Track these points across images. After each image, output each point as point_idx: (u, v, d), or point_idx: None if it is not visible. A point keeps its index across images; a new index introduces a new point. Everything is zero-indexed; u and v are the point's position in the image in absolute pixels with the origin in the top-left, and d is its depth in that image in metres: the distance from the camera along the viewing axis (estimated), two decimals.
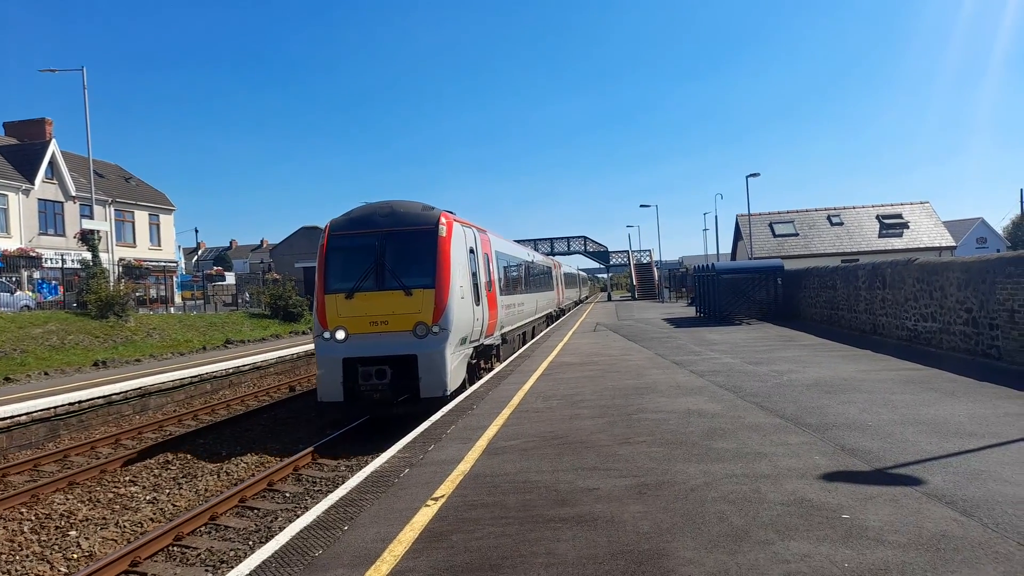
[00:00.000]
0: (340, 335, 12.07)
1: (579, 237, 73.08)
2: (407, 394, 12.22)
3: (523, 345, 21.54)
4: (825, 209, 49.32)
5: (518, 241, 30.00)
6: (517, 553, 4.60)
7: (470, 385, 13.29)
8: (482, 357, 15.14)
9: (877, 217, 47.65)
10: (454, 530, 5.12)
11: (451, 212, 13.88)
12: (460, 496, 5.95)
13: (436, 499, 5.90)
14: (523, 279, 22.71)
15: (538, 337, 24.39)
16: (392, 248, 12.49)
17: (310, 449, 11.37)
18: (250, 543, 7.89)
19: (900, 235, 46.28)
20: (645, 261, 74.14)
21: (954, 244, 46.46)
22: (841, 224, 47.68)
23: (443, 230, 12.57)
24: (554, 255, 61.05)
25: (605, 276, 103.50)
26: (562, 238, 72.32)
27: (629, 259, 74.02)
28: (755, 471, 6.13)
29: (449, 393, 11.84)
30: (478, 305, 13.91)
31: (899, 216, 47.46)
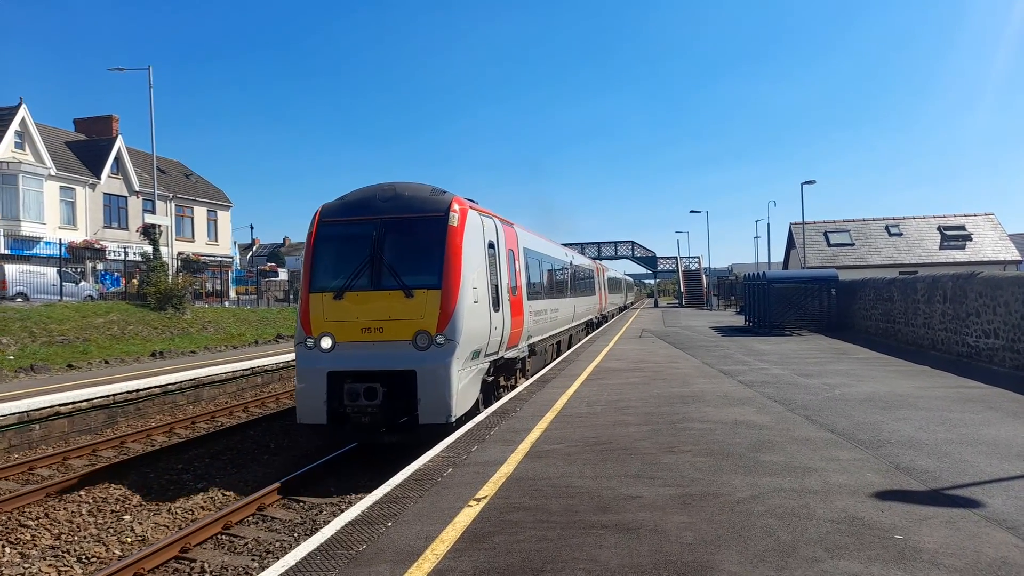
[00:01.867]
0: (326, 343, 10.09)
1: (626, 242, 72.60)
2: (403, 417, 10.52)
3: (557, 356, 19.22)
4: (883, 219, 47.91)
5: (565, 245, 28.85)
6: (559, 558, 4.59)
7: (485, 407, 11.20)
8: (502, 373, 12.84)
9: (938, 228, 46.08)
10: (496, 532, 5.13)
11: (473, 201, 11.89)
12: (502, 498, 5.96)
13: (478, 500, 5.92)
14: (558, 281, 20.27)
15: (578, 346, 22.36)
16: (392, 239, 10.42)
17: (275, 486, 9.37)
18: (295, 535, 8.06)
19: (962, 247, 44.65)
20: (693, 268, 73.15)
21: (1020, 258, 44.55)
22: (900, 235, 46.25)
23: (454, 219, 10.37)
24: (601, 259, 60.73)
25: (652, 282, 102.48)
26: (609, 243, 71.95)
27: (677, 265, 73.16)
28: (804, 486, 5.99)
29: (455, 419, 9.74)
30: (497, 311, 11.55)
31: (962, 228, 45.80)
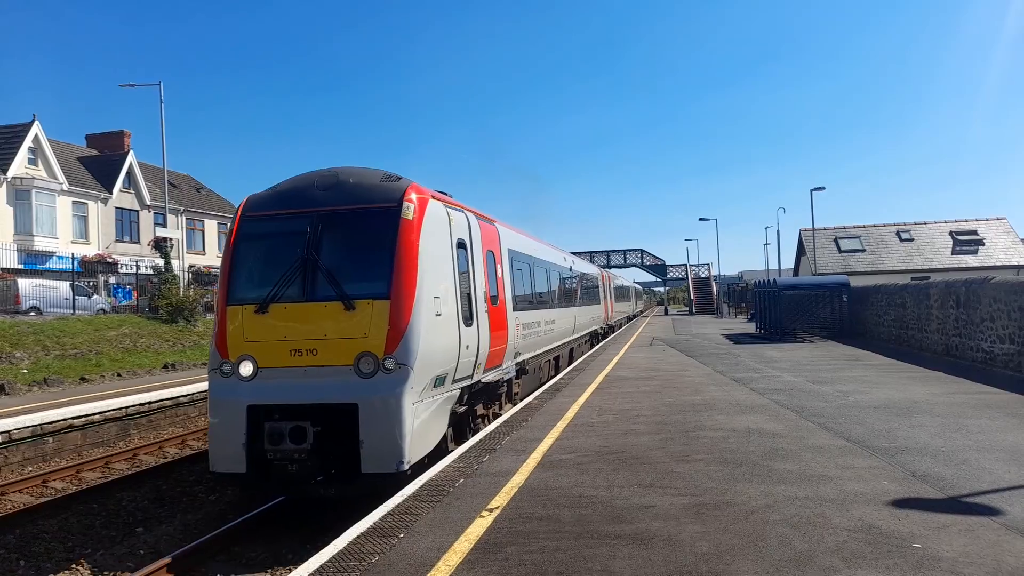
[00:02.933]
0: (245, 370, 8.02)
1: (636, 250, 72.46)
2: (342, 465, 8.04)
3: (556, 373, 17.24)
4: (894, 224, 47.65)
5: (574, 253, 27.81)
6: (572, 569, 4.55)
7: (458, 443, 9.23)
8: (480, 400, 10.57)
9: (950, 233, 45.77)
10: (508, 542, 5.10)
11: (446, 194, 10.00)
12: (515, 508, 5.93)
13: (491, 510, 5.89)
14: (555, 289, 17.90)
15: (583, 358, 20.82)
16: (331, 237, 8.43)
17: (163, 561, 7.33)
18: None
19: (975, 252, 44.31)
20: (703, 275, 72.92)
21: None
22: (911, 240, 45.96)
23: (409, 210, 8.29)
24: (610, 268, 60.62)
25: (662, 290, 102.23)
26: (618, 251, 71.85)
27: (687, 273, 72.96)
28: (820, 494, 5.93)
29: (409, 466, 7.60)
30: (469, 325, 9.41)
31: (974, 232, 45.48)
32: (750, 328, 33.48)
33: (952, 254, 44.55)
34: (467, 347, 9.25)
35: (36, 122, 35.56)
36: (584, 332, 23.29)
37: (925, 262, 43.99)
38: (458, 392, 9.23)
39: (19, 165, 34.75)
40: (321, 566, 4.90)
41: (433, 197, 9.05)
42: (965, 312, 16.08)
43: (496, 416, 11.30)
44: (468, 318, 9.42)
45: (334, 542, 5.39)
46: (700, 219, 74.95)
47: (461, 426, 9.83)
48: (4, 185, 34.18)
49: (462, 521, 5.64)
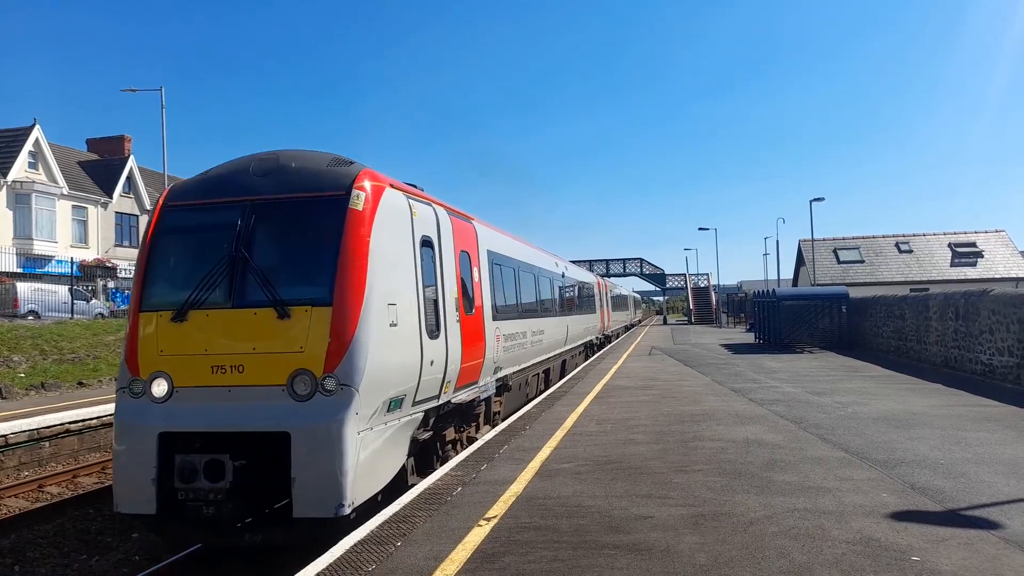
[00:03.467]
0: (159, 389, 6.68)
1: (635, 259, 72.56)
2: (271, 507, 7.03)
3: (546, 388, 16.08)
4: (893, 236, 47.70)
5: (574, 262, 27.25)
6: None
7: (423, 475, 8.03)
8: (450, 423, 9.17)
9: (949, 245, 45.83)
10: (506, 552, 5.08)
11: (415, 187, 8.87)
12: (512, 517, 5.91)
13: (488, 519, 5.87)
14: (546, 297, 16.45)
15: (579, 369, 20.00)
16: (266, 231, 7.12)
17: None
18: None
19: (974, 264, 44.35)
20: (703, 285, 72.98)
21: None
22: (910, 252, 46.01)
23: (360, 200, 7.00)
24: (609, 276, 60.66)
25: (661, 299, 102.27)
26: (617, 260, 71.95)
27: (686, 282, 73.01)
28: (818, 506, 5.91)
29: (351, 509, 6.25)
30: (435, 336, 8.06)
31: (973, 244, 45.53)
32: (749, 338, 33.47)
33: (951, 266, 44.59)
34: (432, 362, 7.83)
35: (37, 126, 35.62)
36: (578, 343, 22.01)
37: (924, 274, 44.02)
38: (420, 415, 7.83)
39: (19, 169, 34.78)
40: (318, 574, 4.88)
41: (392, 186, 7.63)
42: (964, 324, 16.09)
43: (471, 440, 9.87)
44: (434, 328, 8.05)
45: (331, 550, 5.37)
46: (699, 228, 75.05)
47: (427, 454, 8.48)
48: (4, 189, 34.22)
49: (460, 530, 5.62)
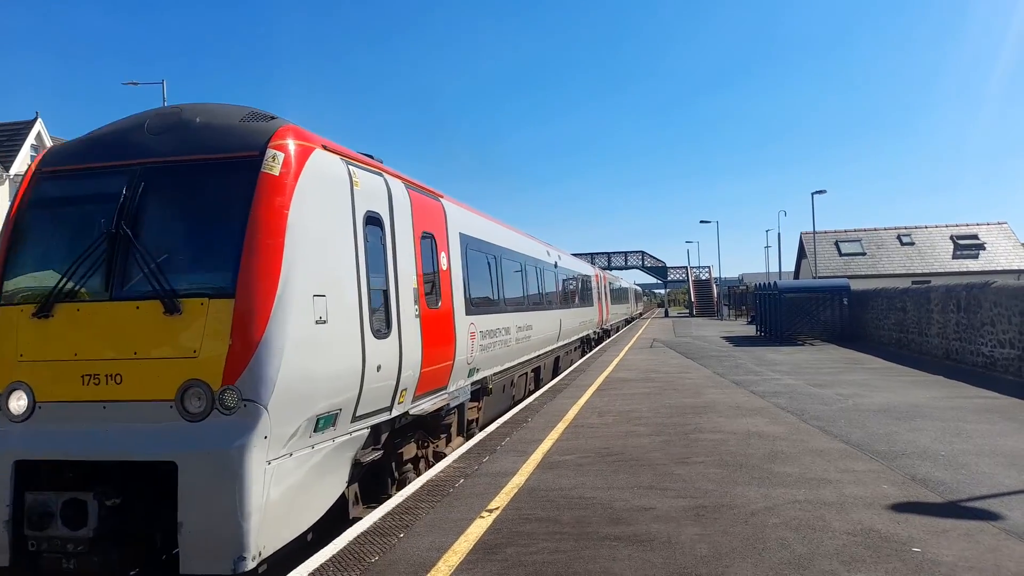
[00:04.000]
0: (16, 404, 5.27)
1: (636, 252, 72.48)
2: (168, 554, 5.37)
3: (536, 388, 14.88)
4: (895, 228, 47.63)
5: (575, 255, 26.89)
6: (572, 570, 4.56)
7: (370, 505, 6.75)
8: (411, 437, 7.81)
9: (951, 237, 45.76)
10: (508, 543, 5.11)
11: (372, 157, 7.50)
12: (514, 509, 5.94)
13: (490, 511, 5.90)
14: (534, 288, 14.80)
15: (578, 364, 19.36)
16: (157, 203, 5.66)
17: None
18: None
19: (976, 256, 44.29)
20: (704, 278, 72.91)
21: None
22: (912, 244, 45.93)
23: (277, 163, 5.52)
24: (611, 269, 60.63)
25: (662, 292, 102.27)
26: (619, 252, 71.85)
27: (688, 275, 72.95)
28: (819, 498, 5.93)
29: (256, 562, 4.83)
30: (386, 336, 6.56)
31: (975, 237, 45.45)
32: (750, 331, 33.49)
33: (953, 258, 44.53)
34: (379, 367, 6.32)
35: (39, 119, 35.61)
36: (573, 338, 20.60)
37: (926, 266, 43.97)
38: (365, 432, 6.38)
39: (22, 162, 34.79)
40: (321, 566, 4.91)
41: (326, 148, 6.12)
42: (966, 316, 16.09)
43: (439, 456, 8.48)
44: (383, 326, 6.54)
45: (334, 541, 5.40)
46: (701, 221, 74.87)
47: (381, 476, 7.18)
48: (7, 183, 34.26)
49: (462, 522, 5.65)
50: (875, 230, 47.73)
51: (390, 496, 6.93)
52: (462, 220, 9.91)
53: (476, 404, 10.33)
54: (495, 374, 10.99)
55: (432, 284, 8.13)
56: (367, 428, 6.42)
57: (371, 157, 7.45)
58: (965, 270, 41.67)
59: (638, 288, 74.13)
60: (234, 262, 5.17)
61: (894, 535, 4.98)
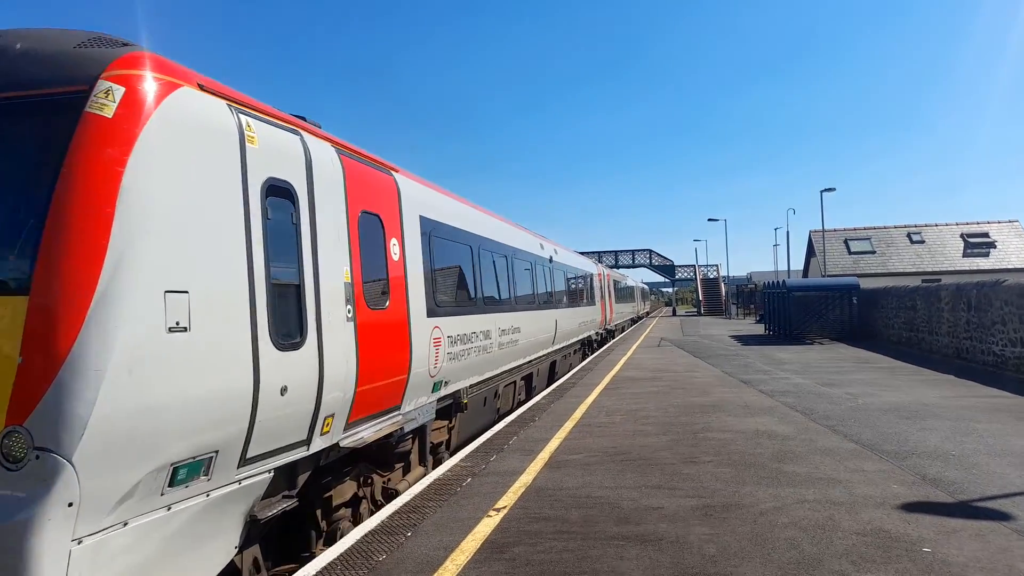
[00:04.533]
0: None
1: (644, 250, 72.30)
2: None
3: (528, 397, 13.36)
4: (905, 226, 47.36)
5: (582, 253, 26.52)
6: (579, 569, 4.55)
7: (294, 563, 5.45)
8: (346, 475, 6.23)
9: (961, 236, 45.46)
10: (516, 542, 5.10)
11: (304, 118, 6.06)
12: (522, 508, 5.93)
13: (498, 510, 5.90)
14: (522, 286, 12.84)
15: (579, 367, 17.95)
16: None
17: None
18: None
19: (986, 255, 43.99)
20: (712, 276, 72.71)
21: None
22: (922, 242, 45.67)
23: (110, 102, 3.87)
24: (618, 268, 60.52)
25: (670, 290, 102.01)
26: (626, 251, 71.69)
27: (695, 273, 72.74)
28: (829, 497, 5.90)
29: None
30: (295, 347, 5.04)
31: (985, 235, 45.14)
32: (759, 329, 33.36)
33: (963, 256, 44.24)
34: (285, 389, 4.82)
35: None
36: (572, 341, 18.99)
37: (936, 264, 43.71)
38: (266, 477, 4.86)
39: None
40: (329, 564, 4.91)
41: (203, 87, 4.52)
42: (976, 315, 15.98)
43: (391, 495, 6.88)
44: (292, 333, 5.02)
45: (341, 540, 5.41)
46: (709, 220, 74.31)
47: (304, 529, 5.76)
48: None
49: (469, 520, 5.65)
50: (885, 228, 47.47)
51: (313, 555, 5.44)
52: (424, 201, 7.96)
53: (445, 423, 8.67)
54: (472, 386, 9.39)
55: (378, 279, 6.35)
56: (268, 471, 4.84)
57: (303, 119, 5.90)
58: (976, 268, 41.40)
59: (645, 287, 73.82)
60: (32, 244, 3.67)
61: (904, 535, 4.95)
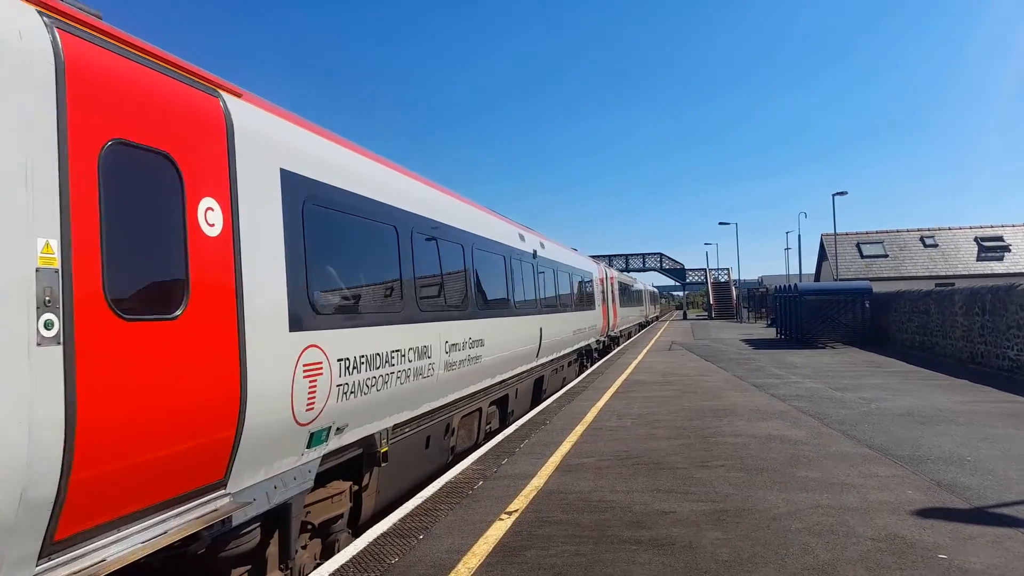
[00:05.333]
0: None
1: (654, 254, 72.14)
2: None
3: (503, 427, 10.70)
4: (918, 230, 47.01)
5: (594, 257, 26.42)
6: (592, 573, 4.54)
7: None
8: None
9: (975, 239, 45.08)
10: (528, 546, 5.10)
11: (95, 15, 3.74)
12: (534, 512, 5.92)
13: (510, 513, 5.89)
14: (490, 286, 10.07)
15: (578, 380, 15.83)
16: None
17: None
18: None
19: (1001, 259, 43.60)
20: (723, 280, 72.45)
21: None
22: (935, 246, 45.32)
23: None
24: (628, 271, 60.39)
25: (681, 294, 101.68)
26: (637, 255, 71.55)
27: (706, 277, 72.51)
28: (842, 503, 5.86)
29: None
30: None
31: (999, 239, 44.75)
32: (770, 333, 33.21)
33: (977, 260, 43.87)
34: None
35: None
36: (566, 352, 16.18)
37: (949, 268, 43.36)
38: None
39: None
40: (341, 567, 4.92)
41: None
42: (991, 319, 15.84)
43: None
44: None
45: (354, 543, 5.42)
46: (720, 223, 73.73)
47: None
48: None
49: (481, 524, 5.65)
50: (897, 232, 47.15)
51: None
52: (296, 149, 5.23)
53: (347, 486, 5.98)
54: (400, 426, 6.73)
55: (158, 264, 3.93)
56: None
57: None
58: (990, 272, 41.05)
59: (654, 290, 73.32)
60: None
61: (919, 541, 4.91)
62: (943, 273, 42.42)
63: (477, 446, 9.43)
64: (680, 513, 5.73)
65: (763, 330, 37.89)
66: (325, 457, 5.38)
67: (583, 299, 18.94)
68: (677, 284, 78.32)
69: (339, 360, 5.34)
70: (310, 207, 5.28)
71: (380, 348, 6.11)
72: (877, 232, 47.52)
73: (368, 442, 6.15)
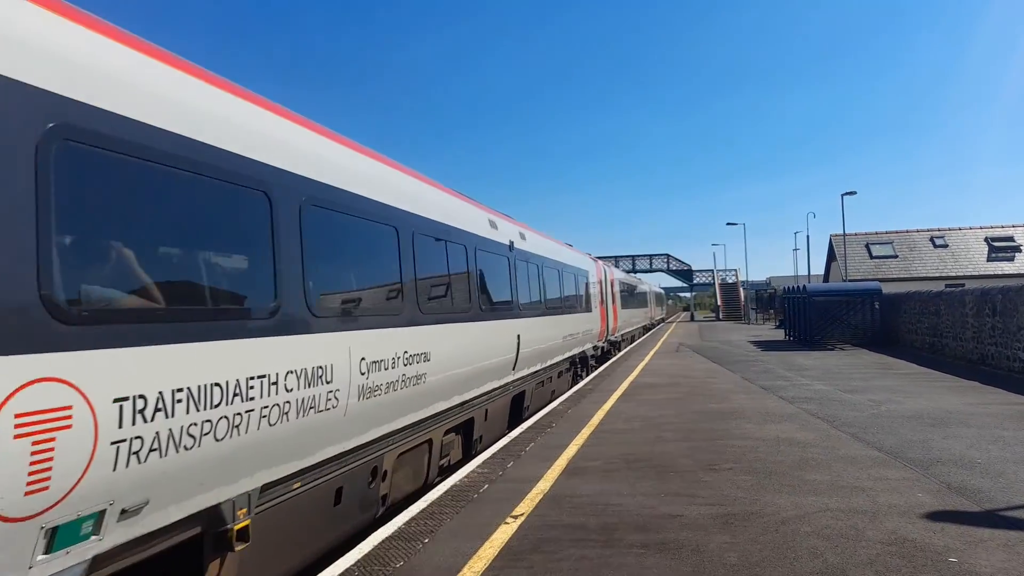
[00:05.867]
0: None
1: (662, 255, 72.03)
2: None
3: (467, 458, 8.71)
4: (928, 230, 46.73)
5: (602, 259, 24.87)
6: None
7: None
8: None
9: (986, 239, 44.77)
10: (534, 549, 5.07)
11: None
12: (539, 515, 5.89)
13: (515, 517, 5.87)
14: (435, 280, 7.56)
15: (577, 389, 14.53)
16: None
17: None
18: None
19: (1011, 259, 43.28)
20: (731, 281, 72.22)
21: None
22: (945, 246, 45.03)
23: None
24: (636, 272, 60.25)
25: (688, 295, 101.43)
26: (644, 255, 71.47)
27: (714, 278, 72.30)
28: (852, 506, 5.81)
29: None
30: None
31: (1010, 239, 44.42)
32: (778, 335, 33.06)
33: (988, 260, 43.57)
34: None
35: None
36: (555, 360, 14.15)
37: (960, 269, 43.07)
38: None
39: None
40: (346, 569, 4.91)
41: None
42: (1002, 320, 15.71)
43: None
44: None
45: (359, 546, 5.40)
46: (728, 224, 73.70)
47: None
48: None
49: (487, 527, 5.62)
50: (907, 232, 46.88)
51: None
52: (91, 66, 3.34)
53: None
54: (280, 482, 4.71)
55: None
56: None
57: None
58: (1000, 273, 40.76)
59: (660, 291, 72.81)
60: None
61: (930, 544, 4.86)
62: (953, 274, 42.14)
63: (429, 487, 7.38)
64: (688, 517, 5.69)
65: (772, 331, 37.73)
66: (99, 560, 3.34)
67: (577, 300, 16.93)
68: (684, 285, 78.13)
69: (117, 401, 3.26)
70: (70, 145, 3.15)
71: (221, 376, 3.93)
72: (887, 232, 47.26)
73: (210, 516, 4.04)
